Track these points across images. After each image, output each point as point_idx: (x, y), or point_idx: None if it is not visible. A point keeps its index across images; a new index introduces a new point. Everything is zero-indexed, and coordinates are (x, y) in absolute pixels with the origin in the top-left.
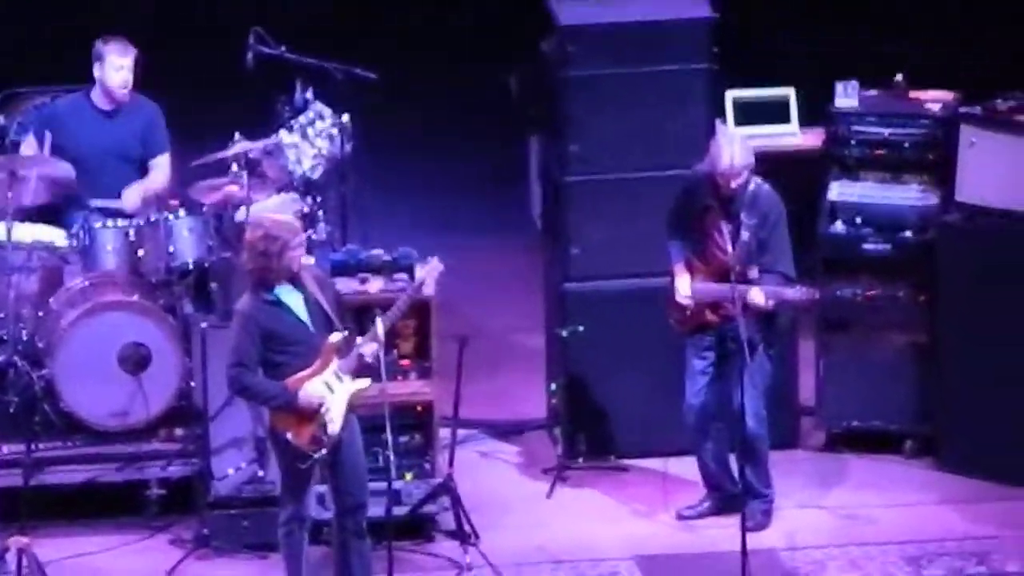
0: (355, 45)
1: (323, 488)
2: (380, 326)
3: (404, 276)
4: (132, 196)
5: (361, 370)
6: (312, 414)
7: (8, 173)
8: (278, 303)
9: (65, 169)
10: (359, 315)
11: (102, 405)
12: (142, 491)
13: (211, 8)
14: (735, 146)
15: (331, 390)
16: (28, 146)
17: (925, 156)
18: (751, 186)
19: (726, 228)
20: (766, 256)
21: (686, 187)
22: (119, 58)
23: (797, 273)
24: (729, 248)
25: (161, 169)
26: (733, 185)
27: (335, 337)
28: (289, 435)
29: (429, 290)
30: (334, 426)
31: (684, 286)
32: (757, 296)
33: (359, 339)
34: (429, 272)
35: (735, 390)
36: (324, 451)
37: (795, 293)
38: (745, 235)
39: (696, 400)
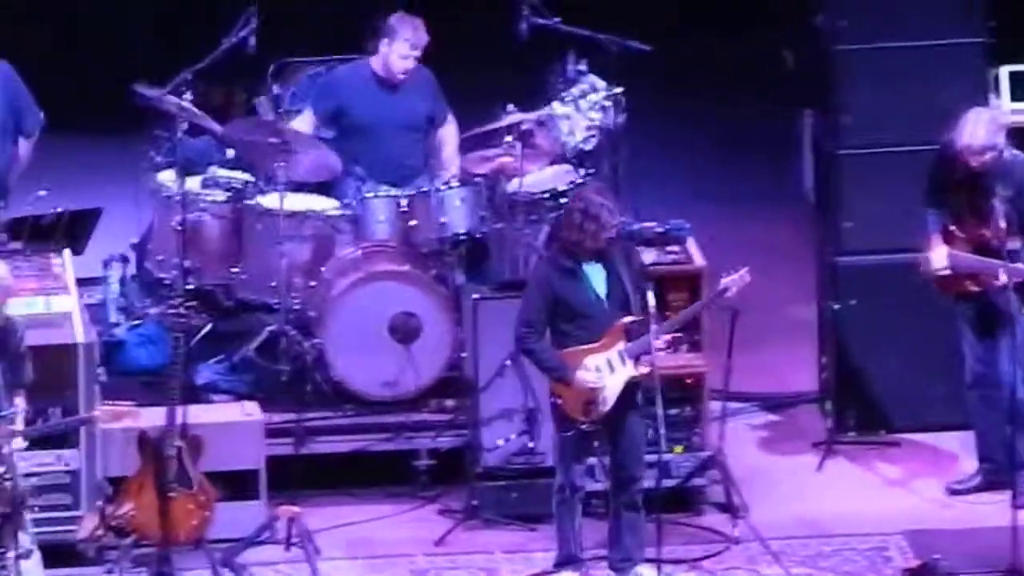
0: (628, 17)
1: (595, 461)
2: (677, 321)
3: (676, 248)
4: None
5: (647, 355)
6: (587, 391)
7: (281, 141)
8: (575, 273)
9: (333, 161)
10: (647, 289)
11: (372, 375)
12: (411, 461)
13: None
14: (978, 125)
15: (611, 370)
16: (303, 121)
17: None
18: (1006, 156)
19: (981, 201)
20: None
21: (940, 157)
22: (409, 48)
23: None
24: (991, 222)
25: (452, 142)
26: (974, 163)
27: (628, 318)
28: (560, 401)
29: (731, 295)
30: (605, 407)
31: (940, 256)
32: (1004, 275)
33: (653, 326)
34: (735, 281)
35: (1002, 360)
36: (590, 426)
37: None
38: (1001, 207)
39: (972, 366)
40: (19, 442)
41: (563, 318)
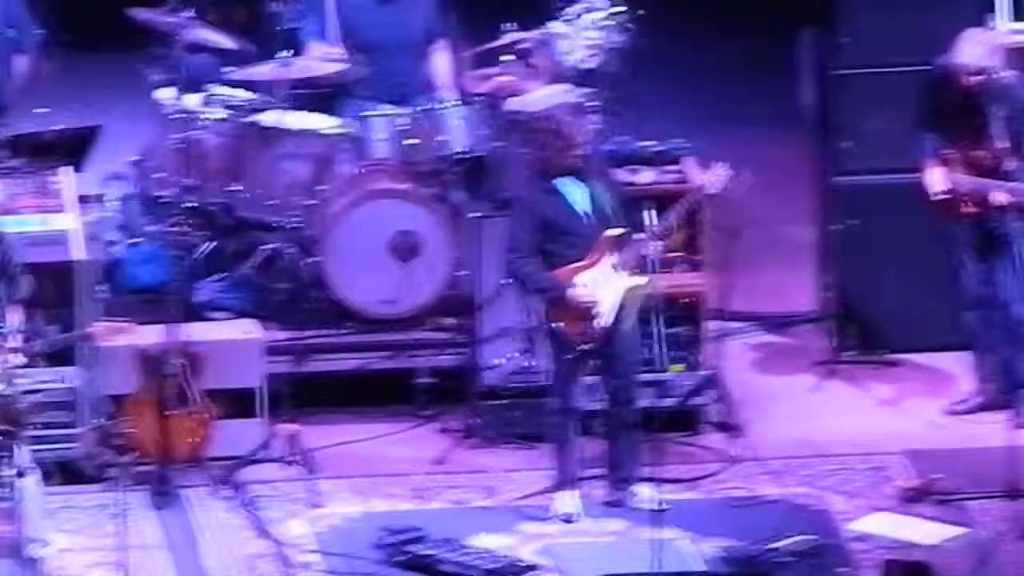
0: None
1: (592, 380)
2: (663, 223)
3: (675, 168)
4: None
5: (640, 266)
6: (582, 307)
7: (283, 63)
8: (557, 192)
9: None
10: (629, 206)
11: (372, 293)
12: (411, 380)
13: None
14: (974, 46)
15: (604, 283)
16: (317, 50)
17: None
18: (1002, 78)
19: (978, 122)
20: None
21: (935, 79)
22: None
23: None
24: (988, 143)
25: (445, 64)
26: (968, 83)
27: (614, 231)
28: (558, 324)
29: (712, 191)
30: (603, 320)
31: (937, 180)
32: (1003, 195)
33: (641, 235)
34: (712, 177)
35: (1002, 279)
36: (591, 344)
37: None
38: (997, 128)
39: (969, 287)
40: (16, 358)
41: (549, 238)
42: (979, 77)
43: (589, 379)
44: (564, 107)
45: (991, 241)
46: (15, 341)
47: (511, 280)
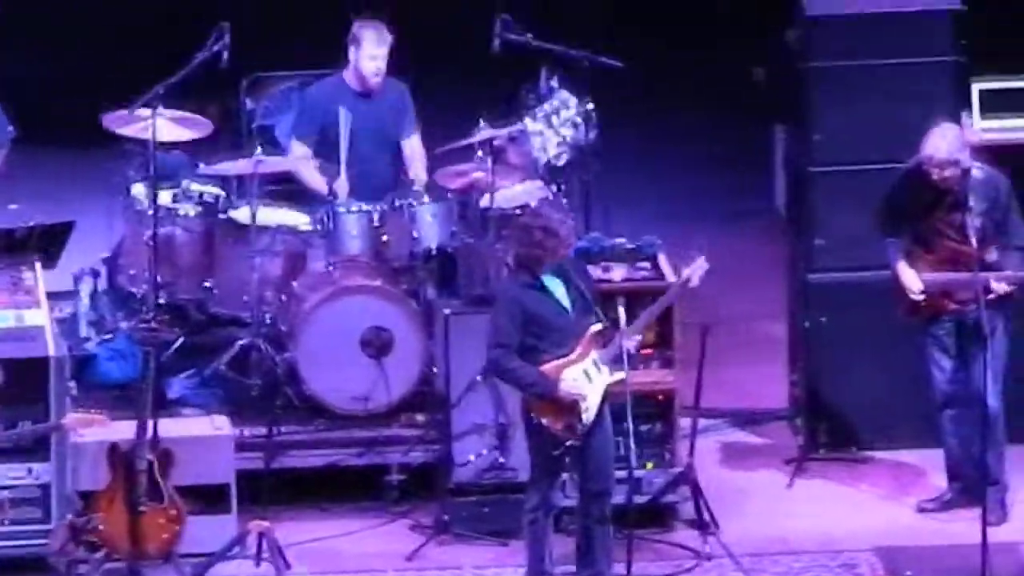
0: (599, 33)
1: (565, 476)
2: (644, 319)
3: (647, 265)
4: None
5: (619, 361)
6: (569, 403)
7: (255, 162)
8: (542, 288)
9: (319, 184)
10: (602, 304)
11: (344, 389)
12: (383, 476)
13: None
14: (944, 139)
15: (589, 379)
16: (300, 150)
17: None
18: (975, 172)
19: (957, 218)
20: (1003, 237)
21: (903, 178)
22: (375, 48)
23: None
24: (968, 238)
25: (419, 153)
26: (938, 176)
27: (597, 326)
28: (544, 421)
29: (693, 284)
30: (589, 415)
31: (913, 280)
32: (998, 285)
33: (621, 329)
34: (695, 270)
35: (975, 374)
36: (577, 440)
37: None
38: (978, 221)
39: (943, 387)
40: None
41: (533, 334)
42: (946, 172)
43: (564, 475)
44: (549, 203)
45: (968, 336)
46: None
47: (495, 375)
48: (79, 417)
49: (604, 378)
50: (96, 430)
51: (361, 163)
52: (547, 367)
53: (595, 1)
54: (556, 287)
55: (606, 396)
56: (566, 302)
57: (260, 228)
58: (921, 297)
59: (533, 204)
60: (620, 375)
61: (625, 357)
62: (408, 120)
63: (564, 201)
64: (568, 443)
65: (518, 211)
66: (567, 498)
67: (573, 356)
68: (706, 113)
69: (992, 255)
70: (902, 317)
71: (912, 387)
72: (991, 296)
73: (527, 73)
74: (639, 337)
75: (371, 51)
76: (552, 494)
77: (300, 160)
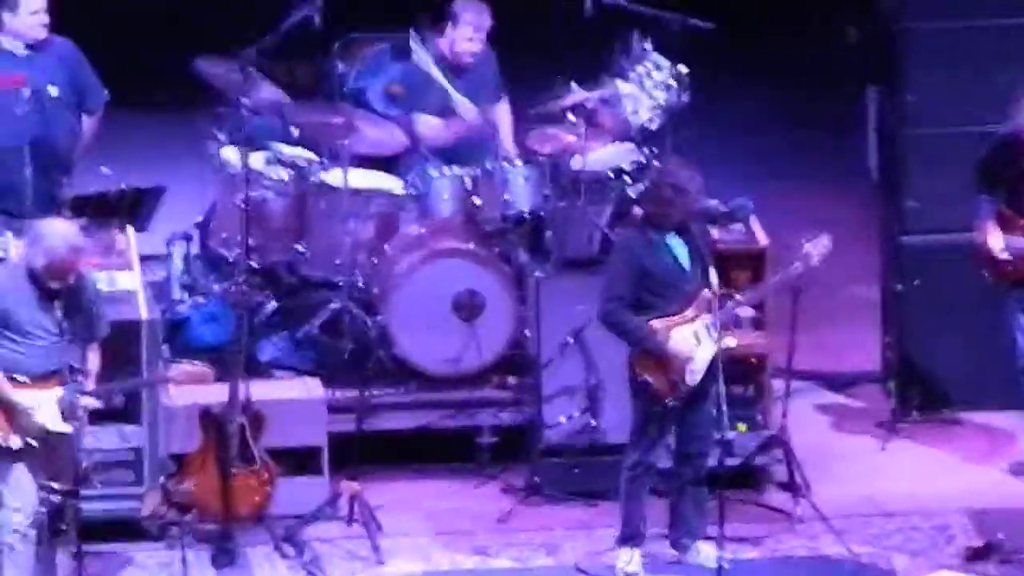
0: None
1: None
2: (761, 291)
3: (740, 227)
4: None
5: (730, 327)
6: (676, 362)
7: (346, 122)
8: (660, 245)
9: (399, 135)
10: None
11: (435, 352)
12: (474, 438)
13: None
14: None
15: (698, 341)
16: (425, 124)
17: None
18: None
19: None
20: None
21: (998, 143)
22: (473, 30)
23: None
24: None
25: (506, 120)
26: None
27: (711, 291)
28: (649, 378)
29: (814, 264)
30: (694, 377)
31: (997, 242)
32: None
33: (737, 296)
34: (817, 248)
35: None
36: (679, 400)
37: None
38: None
39: None
40: (91, 401)
41: (648, 290)
42: None
43: (662, 440)
44: (678, 162)
45: None
46: (91, 383)
47: (606, 327)
48: (182, 370)
49: (713, 343)
50: (195, 387)
51: None
52: (658, 324)
53: None
54: (678, 246)
55: (713, 361)
56: (685, 262)
57: (352, 192)
58: (1005, 257)
59: (626, 166)
60: (731, 342)
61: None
62: (496, 86)
63: (656, 164)
64: (670, 402)
65: (609, 174)
66: (662, 461)
67: (686, 316)
68: (799, 75)
69: None
70: (986, 278)
71: (1003, 350)
72: None
73: (619, 35)
74: (751, 308)
75: (468, 33)
76: (652, 453)
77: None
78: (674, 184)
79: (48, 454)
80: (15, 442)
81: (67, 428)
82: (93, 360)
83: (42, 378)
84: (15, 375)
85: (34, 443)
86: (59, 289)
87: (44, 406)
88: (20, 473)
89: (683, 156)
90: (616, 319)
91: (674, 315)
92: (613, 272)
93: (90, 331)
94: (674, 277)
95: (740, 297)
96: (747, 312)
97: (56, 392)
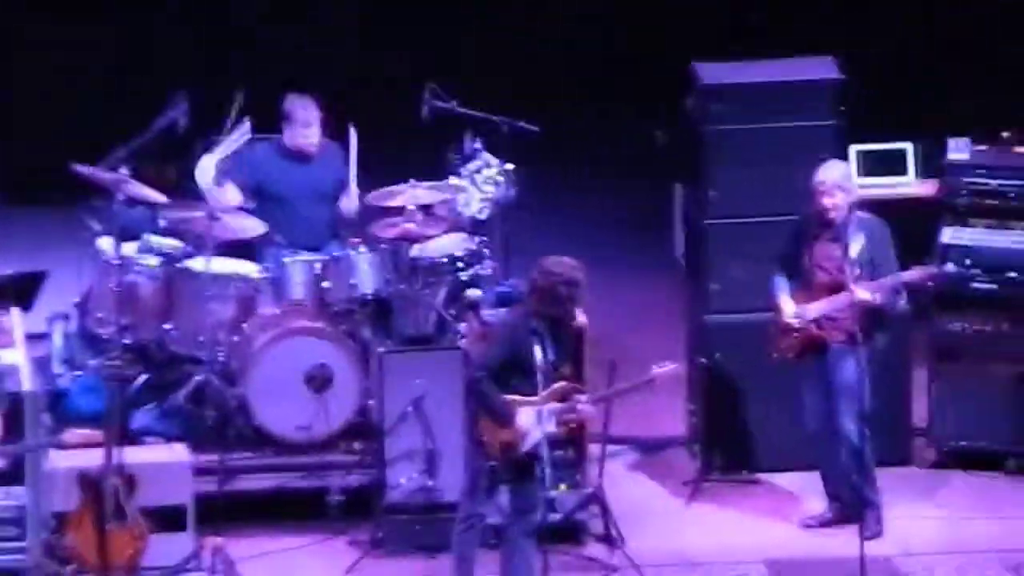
0: (518, 100)
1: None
2: (604, 394)
3: None
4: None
5: (566, 419)
6: (516, 434)
7: (208, 214)
8: (541, 336)
9: (255, 229)
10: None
11: (289, 420)
12: (324, 497)
13: (391, 63)
14: (835, 167)
15: (538, 421)
16: (231, 192)
17: None
18: (857, 214)
19: (834, 249)
20: (876, 273)
21: (794, 228)
22: (304, 128)
23: (911, 309)
24: (841, 261)
25: (353, 196)
26: (825, 203)
27: (564, 384)
28: (487, 438)
29: (656, 384)
30: (524, 447)
31: (790, 308)
32: (863, 293)
33: (581, 397)
34: (664, 372)
35: (842, 416)
36: (504, 464)
37: (911, 274)
38: (854, 252)
39: (813, 420)
40: None
41: (515, 373)
42: (836, 198)
43: (495, 496)
44: (561, 260)
45: (833, 376)
46: None
47: (469, 390)
48: (77, 433)
49: (548, 426)
50: (75, 451)
51: (301, 219)
52: (510, 399)
53: (515, 71)
54: (550, 337)
55: (545, 439)
56: (552, 353)
57: (214, 276)
58: (796, 322)
59: (458, 253)
60: (561, 428)
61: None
62: (344, 176)
63: (486, 251)
64: (497, 462)
65: (444, 260)
66: (494, 517)
67: (536, 399)
68: (613, 173)
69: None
70: (780, 355)
71: (798, 416)
72: (856, 309)
73: (454, 136)
74: (593, 409)
75: (302, 131)
76: (480, 507)
77: (227, 197)
78: (568, 281)
79: None
80: None
81: None
82: None
83: None
84: None
85: None
86: None
87: None
88: None
89: (509, 245)
90: (480, 388)
91: (528, 395)
92: (492, 349)
93: None
94: (542, 367)
95: (582, 398)
96: (588, 409)
97: None
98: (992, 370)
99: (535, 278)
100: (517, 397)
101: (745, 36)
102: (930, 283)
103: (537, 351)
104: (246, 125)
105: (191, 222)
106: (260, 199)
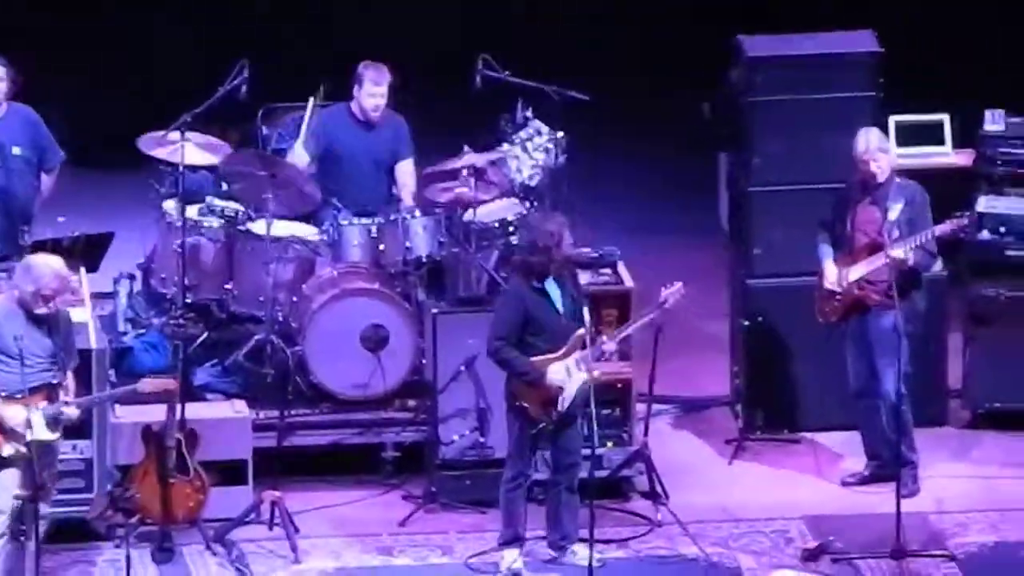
0: (571, 70)
1: (536, 453)
2: (624, 330)
3: (608, 271)
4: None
5: (597, 362)
6: (551, 392)
7: (270, 174)
8: (543, 292)
9: (312, 190)
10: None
11: (346, 378)
12: (379, 453)
13: (450, 38)
14: (870, 134)
15: (569, 375)
16: (297, 156)
17: None
18: (896, 180)
19: (875, 211)
20: (913, 234)
21: (838, 196)
22: (374, 86)
23: (947, 275)
24: (880, 224)
25: (409, 176)
26: (872, 169)
27: (582, 331)
28: (526, 404)
29: (669, 306)
30: (564, 404)
31: (833, 273)
32: (897, 252)
33: (604, 336)
34: (672, 293)
35: (884, 378)
36: (551, 423)
37: (943, 227)
38: (893, 215)
39: (854, 380)
40: (72, 410)
41: (530, 332)
42: (879, 161)
43: (537, 452)
44: (545, 215)
45: (874, 339)
46: (70, 396)
47: (494, 362)
48: (152, 381)
49: (582, 375)
50: (139, 407)
51: (361, 183)
52: (537, 360)
53: (569, 41)
54: (554, 291)
55: (582, 390)
56: (560, 306)
57: (274, 238)
58: (838, 287)
59: (510, 217)
60: (596, 373)
61: (609, 356)
62: (402, 147)
63: (526, 218)
64: (542, 425)
65: (496, 224)
66: (539, 472)
67: (560, 353)
68: (661, 142)
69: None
70: (824, 319)
71: (836, 376)
72: (901, 259)
73: (506, 105)
74: (615, 345)
75: (371, 89)
76: (526, 468)
77: (298, 161)
78: (548, 233)
79: (32, 461)
80: (7, 450)
81: (52, 437)
82: (71, 379)
83: (30, 394)
84: (4, 392)
85: (23, 450)
86: (45, 317)
87: (32, 418)
88: (6, 478)
89: (560, 210)
90: (502, 356)
91: (550, 352)
92: (501, 315)
93: (68, 356)
94: (551, 320)
95: (606, 336)
96: (612, 347)
97: (42, 406)
98: None
99: (521, 234)
100: (542, 357)
101: (788, 7)
102: (961, 235)
103: (544, 307)
104: (311, 102)
105: (251, 181)
106: (323, 161)
